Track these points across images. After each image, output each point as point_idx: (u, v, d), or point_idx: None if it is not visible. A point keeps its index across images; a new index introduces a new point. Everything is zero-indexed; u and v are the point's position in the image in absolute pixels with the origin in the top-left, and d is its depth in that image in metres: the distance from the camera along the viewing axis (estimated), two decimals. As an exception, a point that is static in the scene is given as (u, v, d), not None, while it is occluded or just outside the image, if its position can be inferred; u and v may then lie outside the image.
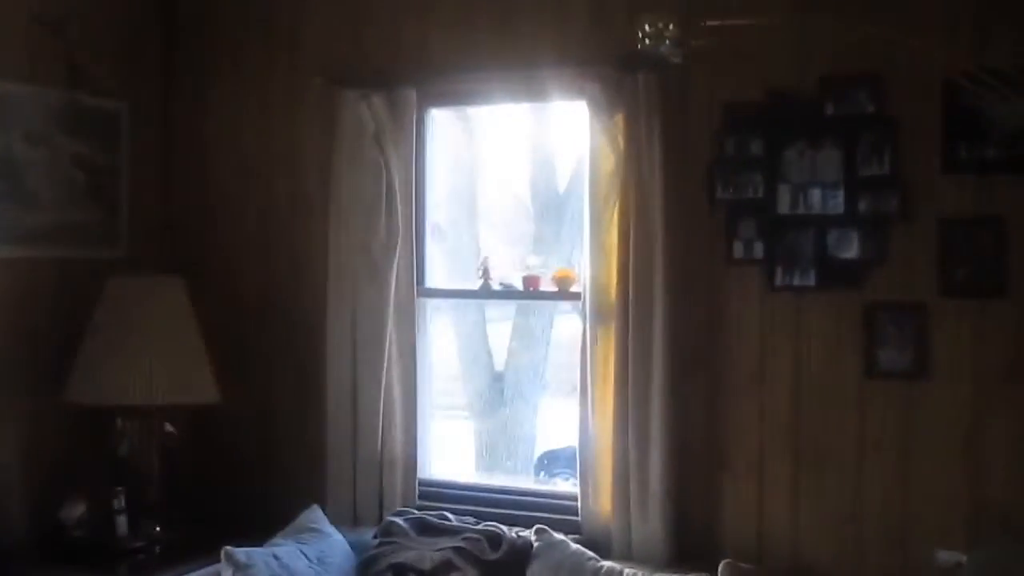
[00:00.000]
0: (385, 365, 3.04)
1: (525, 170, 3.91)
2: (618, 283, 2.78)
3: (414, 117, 3.04)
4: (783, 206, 2.69)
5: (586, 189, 2.85)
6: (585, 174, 2.86)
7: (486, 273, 3.14)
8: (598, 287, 2.83)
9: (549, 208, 3.86)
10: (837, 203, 2.63)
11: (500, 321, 4.08)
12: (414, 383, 3.08)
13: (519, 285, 3.14)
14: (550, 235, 3.81)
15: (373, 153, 3.04)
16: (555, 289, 3.08)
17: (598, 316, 2.83)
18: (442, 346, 3.58)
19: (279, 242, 3.31)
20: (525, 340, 4.00)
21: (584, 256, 2.86)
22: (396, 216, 3.03)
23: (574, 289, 3.00)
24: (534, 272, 3.16)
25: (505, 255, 3.74)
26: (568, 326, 3.60)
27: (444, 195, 3.47)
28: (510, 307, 3.96)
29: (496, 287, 3.15)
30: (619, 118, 2.77)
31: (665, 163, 2.71)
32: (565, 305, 3.40)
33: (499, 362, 4.06)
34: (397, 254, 3.03)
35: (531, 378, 4.01)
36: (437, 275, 3.32)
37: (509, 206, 3.95)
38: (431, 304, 3.32)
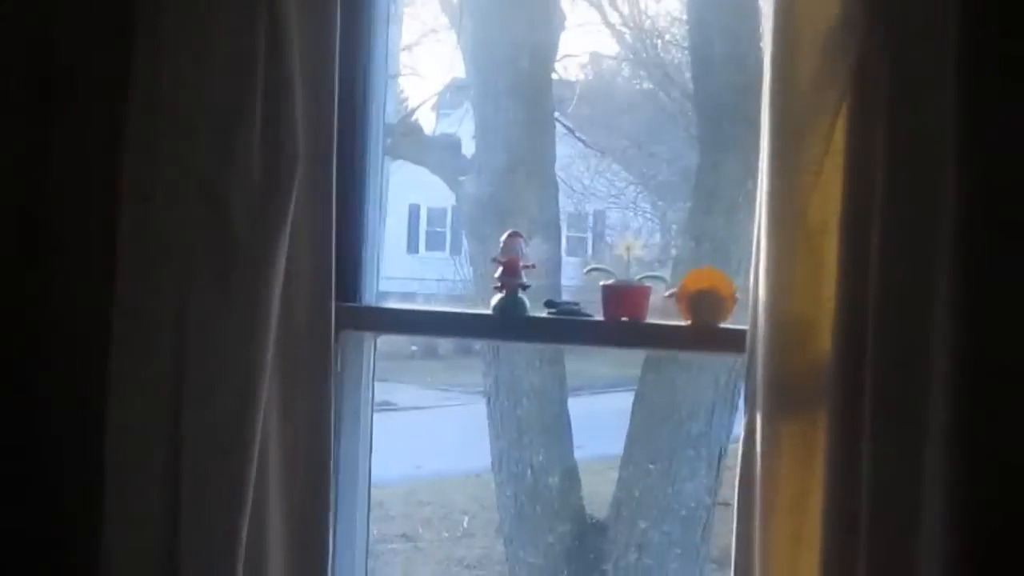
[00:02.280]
0: (244, 503, 3.12)
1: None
2: (838, 312, 2.87)
3: None
4: None
5: (766, 71, 2.98)
6: (767, 32, 3.00)
7: (511, 272, 3.31)
8: (784, 321, 2.95)
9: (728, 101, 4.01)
10: None
11: (606, 389, 4.19)
12: (325, 555, 3.21)
13: (594, 309, 3.27)
14: (725, 178, 3.92)
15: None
16: (684, 321, 3.22)
17: (783, 394, 2.95)
18: (437, 455, 3.61)
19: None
20: (669, 438, 4.16)
21: (757, 242, 3.00)
22: (292, 115, 3.16)
23: (728, 324, 3.20)
24: (635, 279, 3.30)
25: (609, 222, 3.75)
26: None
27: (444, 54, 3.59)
28: (633, 359, 4.08)
29: (537, 312, 3.32)
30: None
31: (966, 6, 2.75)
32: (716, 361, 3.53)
33: (597, 499, 4.13)
34: (290, 215, 3.16)
35: (681, 536, 4.13)
36: (396, 261, 3.39)
37: (623, 90, 3.92)
38: (387, 348, 3.37)
